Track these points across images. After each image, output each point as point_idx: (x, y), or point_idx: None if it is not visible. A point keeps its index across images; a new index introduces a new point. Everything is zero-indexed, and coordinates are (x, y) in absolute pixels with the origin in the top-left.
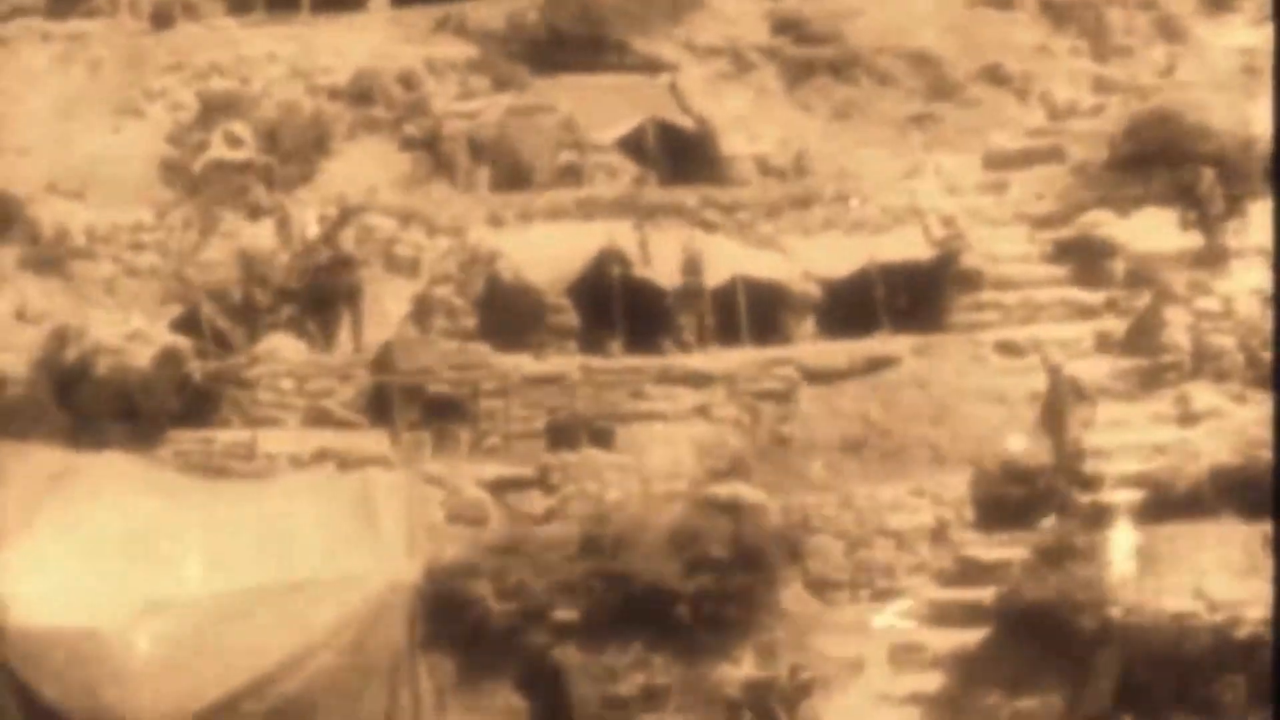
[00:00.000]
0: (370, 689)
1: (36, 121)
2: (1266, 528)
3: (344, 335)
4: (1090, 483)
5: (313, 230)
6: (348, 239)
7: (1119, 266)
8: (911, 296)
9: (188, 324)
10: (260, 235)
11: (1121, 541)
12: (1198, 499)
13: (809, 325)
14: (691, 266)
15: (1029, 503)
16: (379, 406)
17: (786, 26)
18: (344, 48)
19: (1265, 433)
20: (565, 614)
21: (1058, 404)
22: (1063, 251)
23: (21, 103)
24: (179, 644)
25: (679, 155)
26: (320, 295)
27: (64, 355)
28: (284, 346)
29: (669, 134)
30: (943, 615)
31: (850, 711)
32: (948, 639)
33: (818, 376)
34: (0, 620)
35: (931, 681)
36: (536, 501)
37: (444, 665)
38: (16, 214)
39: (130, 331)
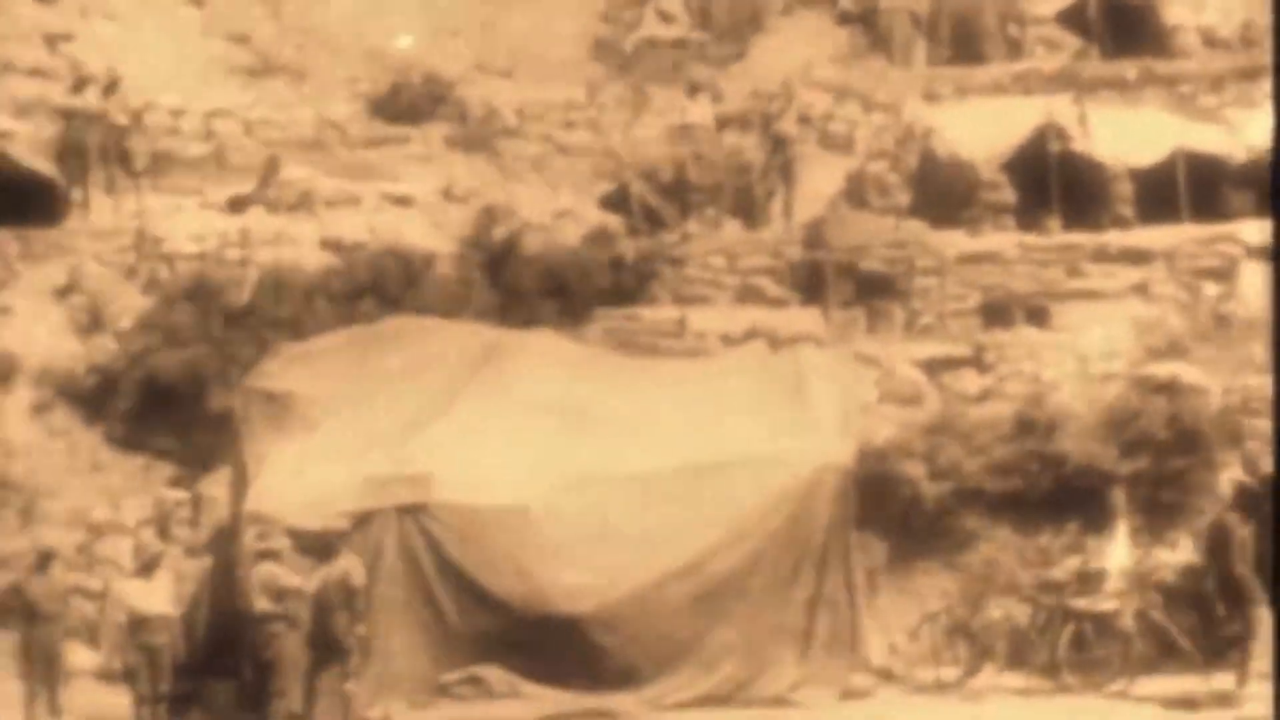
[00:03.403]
0: (801, 571)
1: (466, 2)
2: None
3: (776, 212)
4: None
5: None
6: (789, 117)
7: None
8: None
9: (617, 202)
10: (694, 112)
11: None
12: None
13: (1251, 201)
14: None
15: None
16: (811, 284)
17: None
18: None
19: None
20: (999, 495)
21: None
22: None
23: None
24: (608, 523)
25: (1121, 27)
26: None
27: (492, 233)
28: (715, 223)
29: (1111, 5)
30: None
31: None
32: None
33: (1260, 253)
34: (428, 497)
35: None
36: (970, 381)
37: (875, 546)
38: (445, 94)
39: (559, 209)
